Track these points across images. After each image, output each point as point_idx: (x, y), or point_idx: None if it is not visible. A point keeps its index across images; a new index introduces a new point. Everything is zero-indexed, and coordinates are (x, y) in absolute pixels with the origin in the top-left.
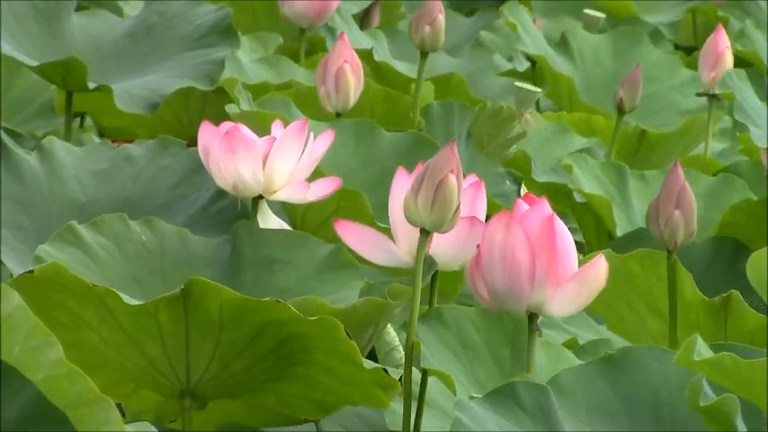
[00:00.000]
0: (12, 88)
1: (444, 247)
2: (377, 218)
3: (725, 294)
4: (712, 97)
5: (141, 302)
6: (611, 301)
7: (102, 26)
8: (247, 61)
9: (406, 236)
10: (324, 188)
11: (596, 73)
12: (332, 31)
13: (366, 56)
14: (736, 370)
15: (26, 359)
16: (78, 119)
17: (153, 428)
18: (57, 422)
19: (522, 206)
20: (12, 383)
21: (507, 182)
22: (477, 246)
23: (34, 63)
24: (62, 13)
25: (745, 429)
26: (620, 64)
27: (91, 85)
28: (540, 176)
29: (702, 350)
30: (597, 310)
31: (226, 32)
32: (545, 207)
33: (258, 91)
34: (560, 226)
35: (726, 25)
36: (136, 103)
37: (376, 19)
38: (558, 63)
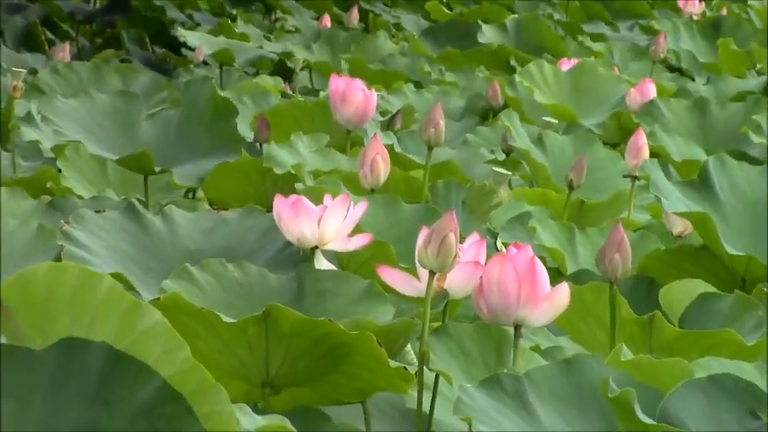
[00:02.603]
0: None
1: (457, 283)
2: (399, 261)
3: (650, 314)
4: (634, 178)
5: (235, 320)
6: (572, 318)
7: (162, 122)
8: (306, 152)
9: (426, 275)
10: (360, 241)
11: (562, 163)
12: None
13: (388, 148)
14: (650, 367)
15: (163, 358)
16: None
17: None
18: (177, 402)
19: (512, 250)
20: (144, 375)
21: (488, 236)
22: (481, 277)
23: (114, 157)
24: (134, 112)
25: (641, 413)
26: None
27: (157, 169)
28: (505, 237)
29: (626, 353)
30: (562, 325)
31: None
32: (528, 251)
33: (314, 174)
34: (539, 264)
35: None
36: (188, 179)
37: (398, 123)
38: (537, 155)
